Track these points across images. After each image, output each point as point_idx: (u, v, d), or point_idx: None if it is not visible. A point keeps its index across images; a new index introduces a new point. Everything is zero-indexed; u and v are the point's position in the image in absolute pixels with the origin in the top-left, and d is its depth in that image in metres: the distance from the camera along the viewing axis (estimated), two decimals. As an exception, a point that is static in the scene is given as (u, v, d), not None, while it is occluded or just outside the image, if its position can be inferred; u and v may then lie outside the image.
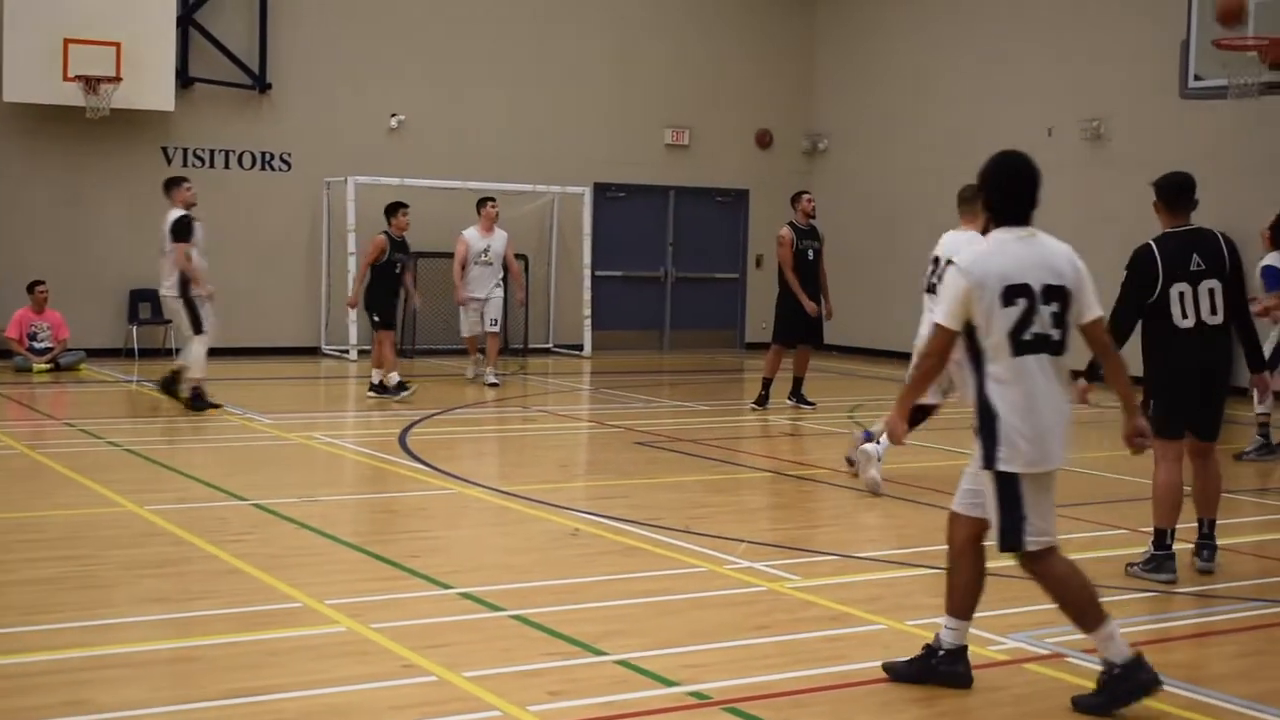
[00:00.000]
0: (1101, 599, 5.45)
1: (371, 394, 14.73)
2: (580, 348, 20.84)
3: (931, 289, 9.70)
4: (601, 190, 21.61)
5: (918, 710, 5.34)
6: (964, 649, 5.59)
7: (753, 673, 5.65)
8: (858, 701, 5.42)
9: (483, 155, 20.37)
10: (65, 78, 17.39)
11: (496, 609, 6.55)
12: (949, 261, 6.25)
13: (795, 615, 6.61)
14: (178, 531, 8.11)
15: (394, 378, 14.71)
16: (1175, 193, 7.57)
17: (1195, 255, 7.37)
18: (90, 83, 17.40)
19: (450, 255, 20.08)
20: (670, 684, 5.49)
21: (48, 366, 16.70)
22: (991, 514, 5.37)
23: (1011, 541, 5.33)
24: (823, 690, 5.52)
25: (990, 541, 5.44)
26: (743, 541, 8.13)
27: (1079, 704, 5.35)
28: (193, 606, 6.49)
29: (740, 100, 22.48)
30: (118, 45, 17.56)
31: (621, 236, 21.90)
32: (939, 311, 5.43)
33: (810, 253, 14.46)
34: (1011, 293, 5.29)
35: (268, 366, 17.83)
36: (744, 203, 22.82)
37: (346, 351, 19.09)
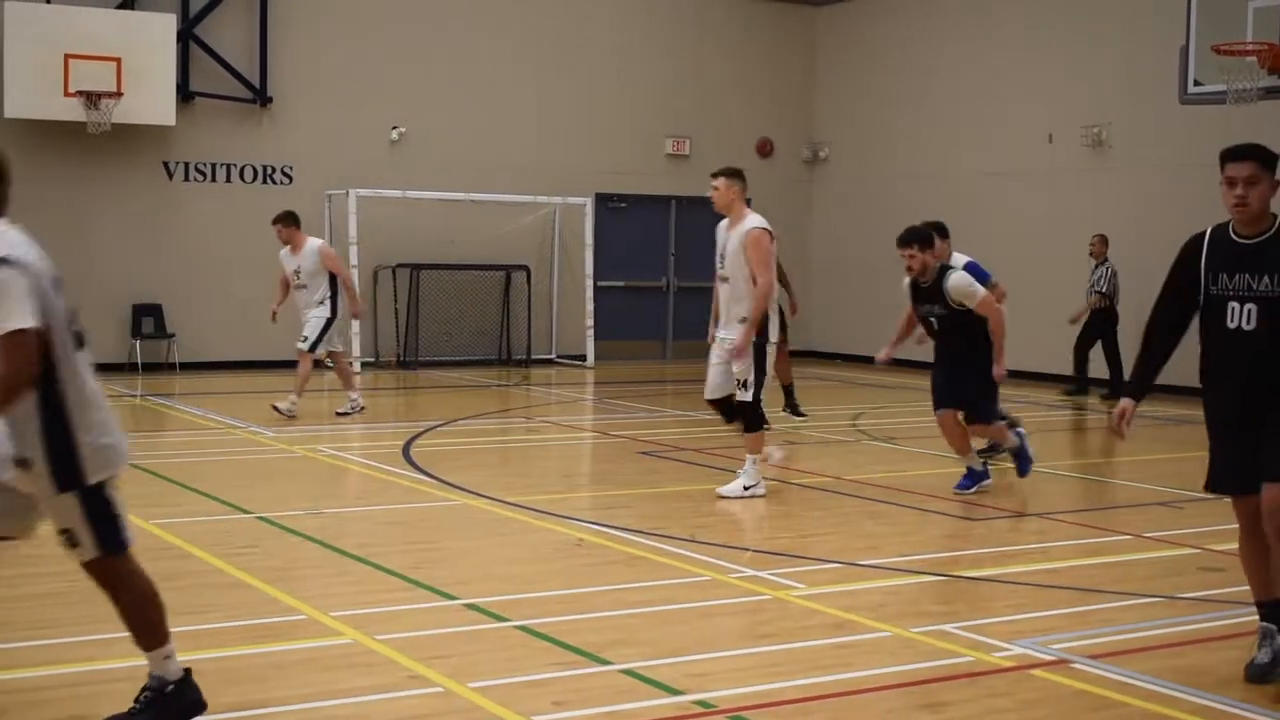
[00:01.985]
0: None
1: None
2: (583, 358, 20.85)
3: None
4: (603, 200, 21.63)
5: (923, 717, 5.33)
6: (189, 673, 5.10)
7: (758, 681, 5.64)
8: (863, 709, 5.41)
9: (483, 167, 20.39)
10: (66, 93, 17.42)
11: (501, 619, 6.55)
12: None
13: (800, 623, 6.60)
14: (182, 545, 8.12)
15: None
16: None
17: None
18: (91, 98, 17.43)
19: (448, 267, 20.14)
20: (676, 693, 5.49)
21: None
22: (81, 528, 4.80)
23: (121, 540, 4.88)
24: (828, 698, 5.52)
25: (92, 555, 4.84)
26: (747, 550, 8.15)
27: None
28: (197, 620, 6.48)
29: (741, 109, 22.51)
30: (118, 60, 17.59)
31: (623, 246, 21.92)
32: (15, 319, 4.57)
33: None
34: (56, 284, 4.86)
35: (271, 380, 17.82)
36: (745, 212, 22.79)
37: (350, 365, 19.07)
